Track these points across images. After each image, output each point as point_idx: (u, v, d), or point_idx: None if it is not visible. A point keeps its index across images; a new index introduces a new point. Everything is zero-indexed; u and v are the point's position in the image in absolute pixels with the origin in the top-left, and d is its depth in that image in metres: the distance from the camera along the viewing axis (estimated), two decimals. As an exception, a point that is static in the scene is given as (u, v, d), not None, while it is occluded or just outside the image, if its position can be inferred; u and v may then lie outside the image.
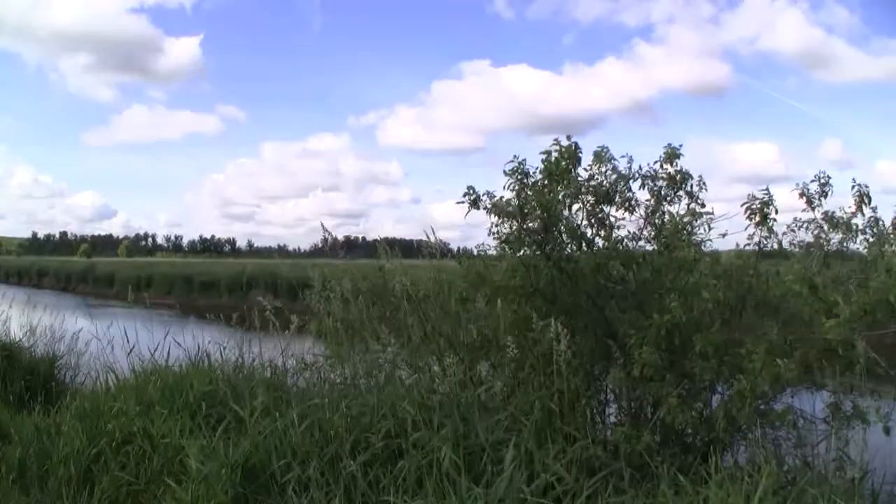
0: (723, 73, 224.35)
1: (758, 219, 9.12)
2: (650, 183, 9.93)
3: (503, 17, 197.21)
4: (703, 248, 9.43)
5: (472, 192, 9.52)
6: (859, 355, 7.74)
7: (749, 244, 9.38)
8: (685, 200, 9.88)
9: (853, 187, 9.21)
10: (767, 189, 9.17)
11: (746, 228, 9.27)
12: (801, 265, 8.87)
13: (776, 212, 9.14)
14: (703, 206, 9.79)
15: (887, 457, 8.02)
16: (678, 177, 9.87)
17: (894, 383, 8.29)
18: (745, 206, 9.17)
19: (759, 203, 9.09)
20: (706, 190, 9.89)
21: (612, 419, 9.73)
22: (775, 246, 9.38)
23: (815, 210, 9.32)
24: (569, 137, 9.73)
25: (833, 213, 9.26)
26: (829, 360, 8.18)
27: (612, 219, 9.94)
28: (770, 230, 9.21)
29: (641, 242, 10.02)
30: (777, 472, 7.37)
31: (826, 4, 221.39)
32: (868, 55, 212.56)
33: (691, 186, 9.91)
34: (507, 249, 9.64)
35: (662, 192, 9.94)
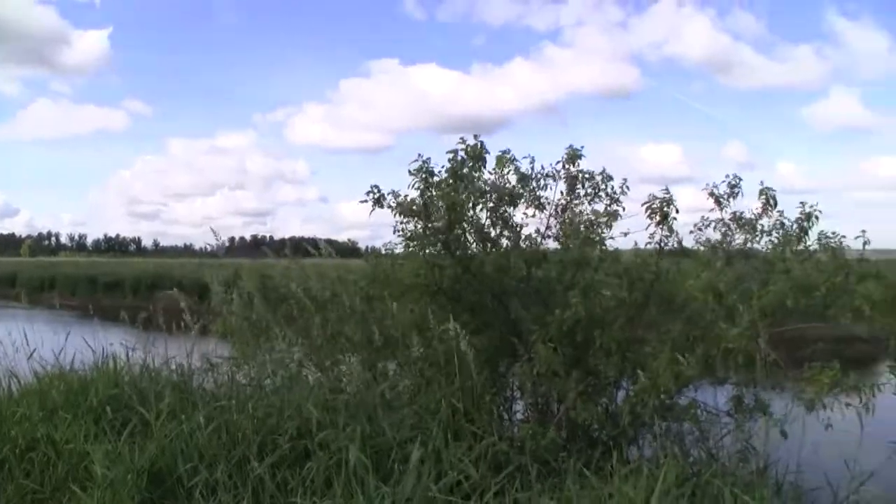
0: (631, 76, 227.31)
1: (658, 218, 9.27)
2: (553, 182, 10.07)
3: (414, 18, 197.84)
4: (605, 246, 9.57)
5: (375, 190, 9.58)
6: (760, 354, 7.95)
7: (650, 243, 9.52)
8: (605, 200, 10.06)
9: (760, 191, 9.43)
10: (667, 189, 9.34)
11: (647, 228, 9.42)
12: (707, 273, 9.05)
13: (676, 211, 9.34)
14: (620, 204, 9.99)
15: (790, 448, 8.16)
16: (579, 176, 10.00)
17: (793, 377, 8.46)
18: (646, 205, 9.31)
19: (660, 202, 9.24)
20: (628, 192, 10.13)
21: (519, 416, 9.81)
22: (676, 245, 9.53)
23: (724, 210, 9.50)
24: (476, 137, 9.86)
25: (742, 213, 9.46)
26: (731, 357, 8.33)
27: (519, 217, 10.09)
28: (670, 229, 9.36)
29: (550, 241, 10.12)
30: (681, 465, 7.50)
31: (733, 11, 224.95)
32: (773, 61, 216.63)
33: (612, 188, 10.10)
34: (411, 248, 9.65)
35: (578, 191, 10.08)
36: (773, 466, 8.16)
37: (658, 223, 9.37)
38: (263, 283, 10.54)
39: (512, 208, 10.10)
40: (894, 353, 8.81)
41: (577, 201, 10.22)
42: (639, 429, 8.94)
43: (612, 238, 9.80)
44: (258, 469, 7.39)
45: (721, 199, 9.54)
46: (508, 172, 10.10)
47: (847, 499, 7.59)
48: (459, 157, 9.71)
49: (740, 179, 9.59)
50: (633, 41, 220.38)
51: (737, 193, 9.55)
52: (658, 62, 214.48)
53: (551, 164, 10.23)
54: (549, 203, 10.24)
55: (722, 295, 8.72)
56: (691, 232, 9.74)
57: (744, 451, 8.16)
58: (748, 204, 9.55)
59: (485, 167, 9.98)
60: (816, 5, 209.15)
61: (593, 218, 9.86)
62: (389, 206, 9.61)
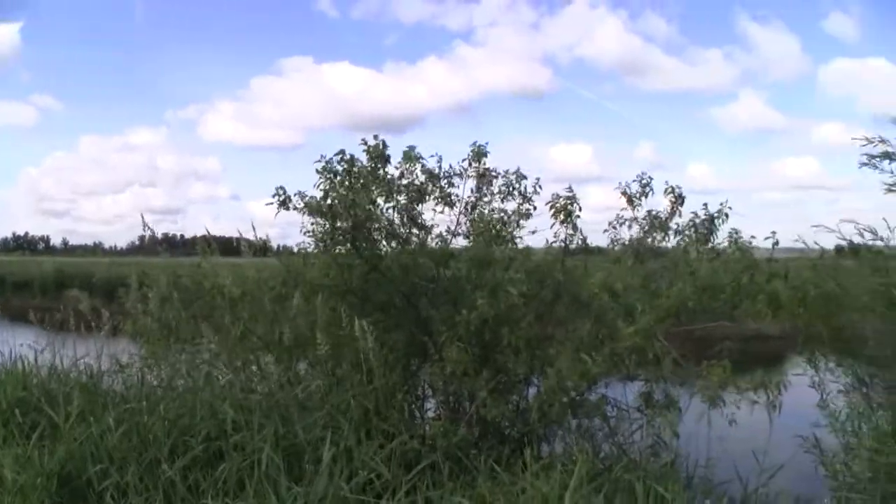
0: (543, 76, 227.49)
1: (562, 217, 9.36)
2: (459, 179, 10.16)
3: (328, 16, 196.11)
4: (515, 244, 9.64)
5: (281, 192, 9.56)
6: (662, 353, 8.10)
7: (555, 241, 9.61)
8: (517, 199, 10.12)
9: (670, 191, 9.58)
10: (571, 188, 9.43)
11: (552, 226, 9.52)
12: (601, 274, 9.18)
13: (580, 209, 9.45)
14: (532, 203, 10.06)
15: (700, 442, 8.29)
16: (486, 173, 10.07)
17: (698, 375, 8.60)
18: (550, 204, 9.40)
19: (564, 201, 9.34)
20: (540, 192, 10.22)
21: (431, 414, 9.82)
22: (581, 243, 9.63)
23: (636, 209, 9.60)
24: (376, 137, 9.95)
25: (657, 213, 9.57)
26: (638, 355, 8.45)
27: (429, 215, 10.17)
28: (574, 227, 9.46)
29: (459, 239, 10.16)
30: (592, 461, 7.57)
31: (645, 14, 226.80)
32: (684, 64, 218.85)
33: (525, 188, 10.20)
34: (320, 248, 9.62)
35: (488, 189, 10.15)
36: (684, 460, 8.31)
37: (562, 221, 9.49)
38: (176, 281, 10.38)
39: (420, 205, 10.16)
40: (804, 349, 8.99)
41: (487, 199, 10.30)
42: (549, 425, 9.02)
43: (521, 237, 9.92)
44: (169, 471, 7.30)
45: (633, 199, 9.64)
46: (415, 170, 10.14)
47: (756, 491, 7.73)
48: (350, 156, 9.79)
49: (651, 179, 9.73)
50: (545, 42, 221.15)
51: (648, 193, 9.67)
52: (570, 63, 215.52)
53: (458, 162, 10.34)
54: (458, 201, 10.31)
55: (618, 294, 8.87)
56: (605, 231, 9.84)
57: (654, 445, 8.29)
58: (659, 203, 9.69)
59: (390, 163, 10.05)
60: (727, 10, 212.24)
61: (503, 216, 9.94)
62: (296, 208, 9.58)
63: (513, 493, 6.98)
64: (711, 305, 8.91)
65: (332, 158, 9.72)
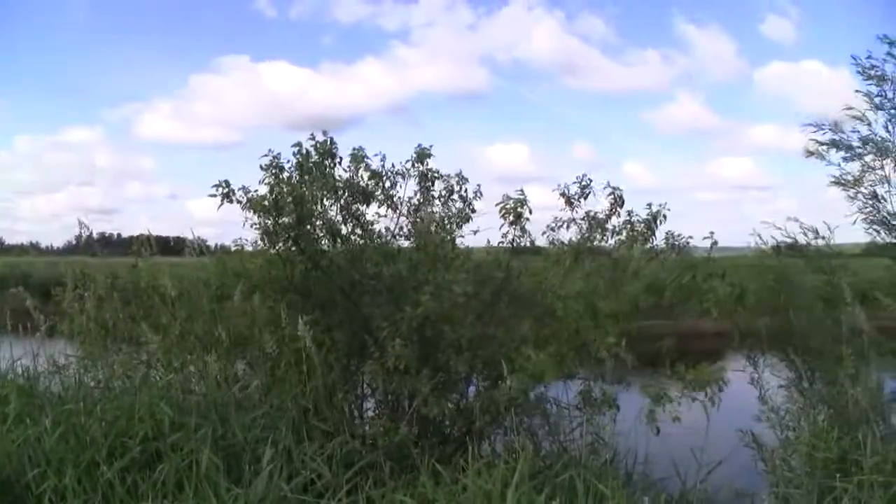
0: (481, 77, 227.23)
1: (512, 218, 9.41)
2: (402, 180, 10.17)
3: (266, 16, 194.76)
4: (457, 244, 9.66)
5: (224, 185, 9.44)
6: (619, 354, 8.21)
7: (503, 242, 9.64)
8: (459, 203, 10.17)
9: (611, 192, 9.62)
10: (522, 191, 9.54)
11: (501, 227, 9.56)
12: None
13: (530, 212, 9.54)
14: (473, 210, 10.09)
15: (639, 439, 8.36)
16: (429, 175, 10.08)
17: (640, 373, 8.69)
18: (500, 205, 9.44)
19: (514, 203, 9.38)
20: (481, 197, 10.37)
21: (372, 413, 9.78)
22: (528, 244, 9.68)
23: (575, 210, 9.65)
24: (325, 133, 9.86)
25: (596, 213, 9.63)
26: (580, 353, 8.51)
27: (371, 215, 10.17)
28: (523, 229, 9.51)
29: (401, 239, 10.15)
30: (533, 459, 7.59)
31: (582, 15, 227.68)
32: (621, 65, 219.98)
33: (466, 191, 10.32)
34: (262, 244, 9.56)
35: (432, 193, 10.17)
36: (624, 457, 8.37)
37: (511, 223, 9.53)
38: (114, 282, 10.26)
39: (365, 206, 10.15)
40: (741, 346, 9.10)
41: (428, 202, 10.31)
42: (491, 423, 9.03)
43: (462, 237, 9.94)
44: (108, 473, 7.20)
45: (572, 200, 9.69)
46: (361, 169, 10.11)
47: (695, 487, 7.80)
48: (304, 150, 9.76)
49: (591, 180, 9.80)
50: (483, 42, 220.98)
51: (588, 194, 9.74)
52: (508, 63, 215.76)
53: (401, 163, 10.35)
54: (401, 202, 10.33)
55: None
56: (544, 233, 9.89)
57: (594, 443, 8.34)
58: (597, 203, 9.75)
59: (340, 164, 10.05)
60: (665, 12, 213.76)
61: (445, 218, 9.96)
62: (238, 202, 9.49)
63: (454, 491, 6.98)
64: (654, 304, 9.01)
65: (278, 154, 9.68)
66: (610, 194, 9.70)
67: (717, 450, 8.19)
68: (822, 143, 9.00)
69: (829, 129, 8.96)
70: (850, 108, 8.90)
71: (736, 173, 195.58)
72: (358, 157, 10.09)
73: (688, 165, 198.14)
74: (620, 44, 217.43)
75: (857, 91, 8.94)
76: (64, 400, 8.76)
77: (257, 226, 9.56)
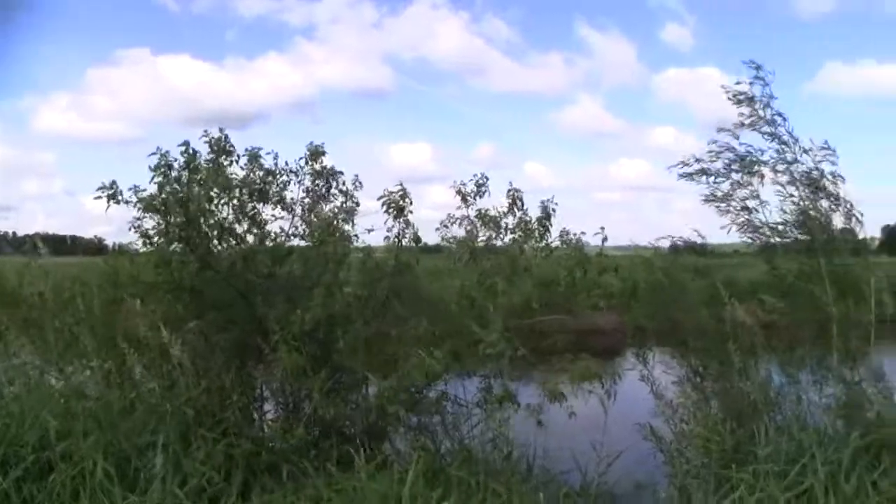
0: (385, 75, 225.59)
1: (394, 212, 9.44)
2: (295, 178, 10.11)
3: (168, 8, 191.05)
4: (352, 243, 9.66)
5: (110, 185, 9.17)
6: (507, 349, 8.28)
7: (388, 237, 9.68)
8: (340, 198, 10.14)
9: (508, 191, 9.69)
10: (401, 184, 9.55)
11: (385, 222, 9.58)
12: (458, 279, 9.33)
13: (411, 203, 9.62)
14: (357, 203, 10.07)
15: (539, 434, 8.46)
16: (325, 173, 10.05)
17: (540, 369, 8.78)
18: (382, 200, 9.47)
19: (395, 196, 9.43)
20: (361, 188, 10.33)
21: (270, 415, 9.73)
22: (414, 239, 9.73)
23: (470, 208, 9.71)
24: (221, 130, 9.79)
25: (487, 211, 9.68)
26: (477, 350, 8.57)
27: (266, 215, 10.06)
28: (407, 223, 9.55)
29: (296, 240, 10.11)
30: (432, 457, 7.65)
31: (486, 17, 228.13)
32: (524, 67, 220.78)
33: (344, 184, 10.18)
34: (152, 245, 9.44)
35: (315, 189, 10.12)
36: (524, 453, 8.44)
37: (395, 217, 9.57)
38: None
39: (261, 205, 10.04)
40: (633, 342, 9.27)
41: (319, 199, 10.24)
42: (389, 423, 9.05)
43: (356, 235, 9.93)
44: (3, 483, 7.11)
45: (468, 197, 9.74)
46: (256, 168, 9.99)
47: (595, 479, 7.91)
48: (192, 150, 9.56)
49: (487, 179, 9.84)
50: (388, 41, 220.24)
51: (483, 192, 9.78)
52: (412, 62, 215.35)
53: (295, 161, 10.27)
54: (294, 202, 10.24)
55: (474, 299, 9.01)
56: (437, 229, 9.92)
57: (494, 440, 8.38)
58: (496, 202, 9.80)
59: (237, 162, 9.91)
60: (567, 16, 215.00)
61: (333, 215, 9.94)
62: (127, 202, 9.24)
63: (350, 492, 7.00)
64: (549, 300, 9.10)
65: (167, 152, 9.46)
66: (509, 192, 9.76)
67: (617, 443, 8.32)
68: (690, 174, 9.43)
69: (696, 161, 9.40)
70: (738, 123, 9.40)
71: (634, 174, 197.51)
72: (254, 156, 9.98)
73: (588, 166, 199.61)
74: (523, 46, 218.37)
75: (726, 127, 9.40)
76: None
77: (152, 227, 9.40)
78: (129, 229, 9.52)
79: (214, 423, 8.13)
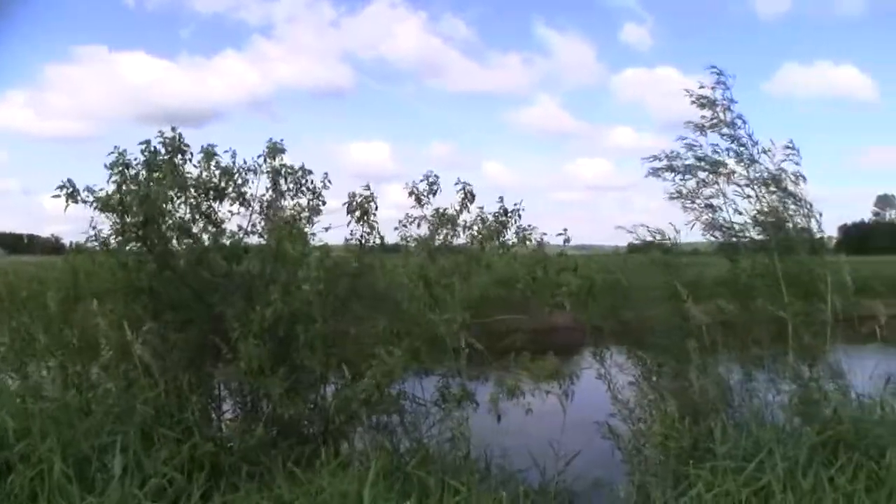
0: (343, 74, 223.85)
1: (359, 214, 9.47)
2: (254, 176, 10.09)
3: (125, 6, 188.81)
4: (311, 241, 9.65)
5: (68, 185, 9.07)
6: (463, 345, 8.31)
7: (351, 239, 9.70)
8: (308, 196, 10.12)
9: (461, 188, 9.80)
10: (369, 186, 9.57)
11: (349, 224, 9.60)
12: (416, 261, 9.37)
13: (376, 208, 9.66)
14: (324, 203, 10.07)
15: (498, 432, 8.50)
16: (292, 171, 10.03)
17: (495, 367, 8.82)
18: (346, 203, 9.49)
19: (361, 200, 9.45)
20: (330, 186, 10.30)
21: (229, 415, 9.71)
22: (378, 241, 9.76)
23: (424, 207, 9.74)
24: (174, 129, 9.68)
25: (444, 210, 9.72)
26: (436, 348, 8.60)
27: (223, 213, 10.02)
28: (371, 226, 9.57)
29: (254, 237, 10.07)
30: (391, 456, 7.67)
31: (444, 17, 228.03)
32: (482, 67, 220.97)
33: (311, 182, 10.17)
34: (109, 244, 9.36)
35: (281, 187, 10.08)
36: (482, 452, 8.47)
37: (358, 220, 9.58)
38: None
39: (217, 203, 9.98)
40: (591, 341, 9.36)
41: (280, 196, 10.22)
42: (348, 422, 9.05)
43: (314, 234, 9.92)
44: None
45: (421, 197, 9.78)
46: (213, 166, 9.90)
47: (554, 478, 7.95)
48: (153, 148, 9.47)
49: (438, 177, 9.94)
50: (346, 40, 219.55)
51: (436, 191, 9.85)
52: (371, 62, 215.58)
53: (253, 158, 10.20)
54: (253, 199, 10.20)
55: (430, 284, 9.03)
56: (396, 228, 9.94)
57: (452, 439, 8.40)
58: (452, 201, 9.87)
59: (190, 161, 9.78)
60: (526, 16, 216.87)
61: (295, 213, 9.92)
62: (85, 202, 9.13)
63: (311, 492, 6.99)
64: (508, 296, 9.14)
65: (125, 150, 9.35)
66: (461, 190, 9.83)
67: (575, 442, 8.37)
68: (658, 168, 9.82)
69: (666, 157, 9.73)
70: (699, 126, 9.84)
71: (593, 174, 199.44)
72: (209, 154, 9.85)
73: (546, 166, 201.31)
74: (482, 46, 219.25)
75: (696, 123, 9.85)
76: None
77: (108, 226, 9.30)
78: (92, 229, 9.41)
79: (174, 424, 8.08)
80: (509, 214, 9.68)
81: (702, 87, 9.69)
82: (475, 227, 9.72)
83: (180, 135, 9.63)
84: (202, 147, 9.86)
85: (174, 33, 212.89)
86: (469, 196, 9.79)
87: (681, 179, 9.82)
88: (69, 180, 9.11)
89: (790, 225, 9.53)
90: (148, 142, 9.43)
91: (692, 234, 9.81)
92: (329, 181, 10.30)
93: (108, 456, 7.22)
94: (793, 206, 9.49)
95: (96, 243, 9.46)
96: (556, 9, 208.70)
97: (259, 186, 10.24)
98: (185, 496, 7.04)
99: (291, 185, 10.20)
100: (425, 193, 9.79)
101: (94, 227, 9.33)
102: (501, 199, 9.73)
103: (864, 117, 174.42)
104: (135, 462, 7.20)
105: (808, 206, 9.46)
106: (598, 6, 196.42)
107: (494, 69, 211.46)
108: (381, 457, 7.22)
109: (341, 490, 6.82)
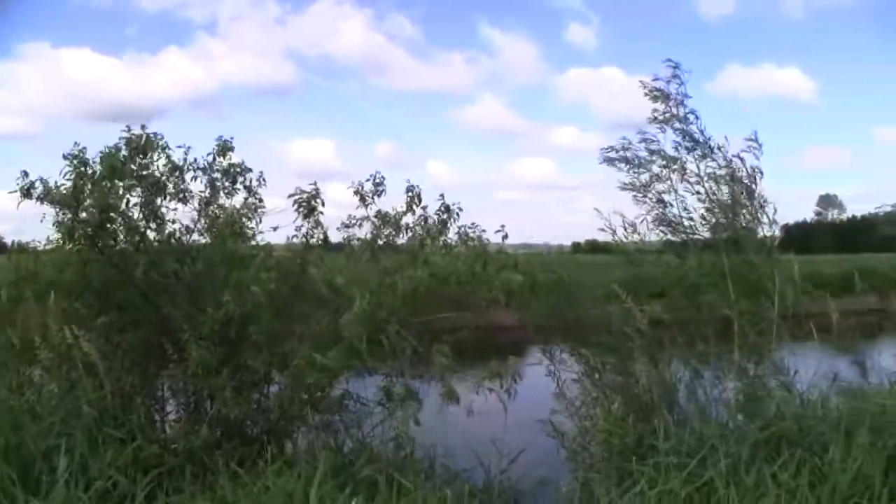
0: (288, 72, 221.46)
1: (305, 211, 9.46)
2: (202, 174, 10.03)
3: (69, 2, 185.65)
4: (256, 241, 9.64)
5: (25, 179, 8.99)
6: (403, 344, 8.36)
7: (296, 236, 9.69)
8: (242, 194, 10.10)
9: (409, 190, 9.80)
10: (315, 183, 9.56)
11: (295, 221, 9.58)
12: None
13: (323, 204, 9.58)
14: (260, 200, 10.03)
15: (441, 431, 8.54)
16: (232, 169, 9.99)
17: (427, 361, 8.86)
18: (293, 198, 9.47)
19: (307, 196, 9.44)
20: (265, 185, 10.29)
21: (173, 416, 9.65)
22: (322, 238, 9.75)
23: (369, 207, 9.75)
24: (143, 127, 9.58)
25: (386, 211, 9.73)
26: (373, 345, 8.62)
27: (166, 210, 9.84)
28: (317, 223, 9.57)
29: (195, 235, 10.00)
30: (336, 456, 7.67)
31: (389, 15, 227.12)
32: (427, 65, 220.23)
33: (250, 181, 10.15)
34: (60, 241, 9.26)
35: (218, 185, 10.05)
36: (427, 451, 8.51)
37: (305, 216, 9.57)
38: None
39: (161, 199, 9.78)
40: (536, 339, 9.43)
41: (231, 194, 10.20)
42: (292, 422, 9.09)
43: (262, 232, 9.91)
44: None
45: (366, 197, 9.78)
46: (159, 160, 9.75)
47: (498, 476, 7.98)
48: (115, 148, 9.33)
49: (384, 178, 9.92)
50: (291, 37, 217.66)
51: (381, 192, 9.84)
52: (315, 59, 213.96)
53: (203, 157, 10.12)
54: (192, 196, 10.07)
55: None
56: (339, 229, 9.93)
57: (396, 438, 8.42)
58: (397, 200, 9.89)
59: (146, 156, 9.62)
60: (471, 15, 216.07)
61: (236, 212, 9.86)
62: (38, 197, 9.03)
63: (255, 492, 6.97)
64: (444, 290, 9.15)
65: (85, 148, 9.23)
66: (408, 192, 9.83)
67: (520, 440, 8.41)
68: (613, 158, 9.91)
69: (622, 149, 9.84)
70: (652, 118, 9.91)
71: (537, 173, 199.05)
72: (156, 145, 9.67)
73: (490, 165, 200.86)
74: (426, 44, 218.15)
75: (649, 117, 9.91)
76: None
77: (56, 222, 9.13)
78: (53, 225, 9.22)
79: (118, 426, 8.04)
80: (450, 211, 9.72)
81: (656, 79, 9.77)
82: (417, 228, 9.73)
83: (148, 134, 9.56)
84: (151, 133, 9.67)
85: (120, 30, 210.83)
86: (416, 198, 9.78)
87: (634, 172, 9.89)
88: (24, 172, 9.04)
89: (740, 222, 9.60)
90: (117, 146, 9.35)
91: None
92: (264, 179, 10.29)
93: (53, 458, 7.16)
94: (746, 203, 9.54)
95: (41, 243, 9.41)
96: (501, 8, 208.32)
97: (200, 184, 10.16)
98: (130, 498, 7.01)
99: (227, 183, 10.16)
100: (370, 194, 9.77)
101: (42, 222, 9.23)
102: (442, 196, 9.78)
103: (805, 118, 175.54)
104: (80, 464, 7.15)
105: (762, 201, 9.53)
106: (543, 6, 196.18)
107: (439, 68, 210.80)
108: (326, 456, 7.21)
109: (287, 490, 6.80)
